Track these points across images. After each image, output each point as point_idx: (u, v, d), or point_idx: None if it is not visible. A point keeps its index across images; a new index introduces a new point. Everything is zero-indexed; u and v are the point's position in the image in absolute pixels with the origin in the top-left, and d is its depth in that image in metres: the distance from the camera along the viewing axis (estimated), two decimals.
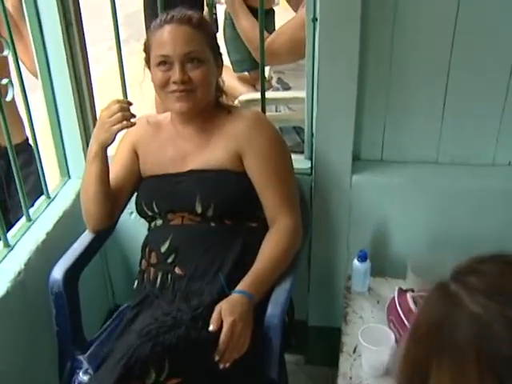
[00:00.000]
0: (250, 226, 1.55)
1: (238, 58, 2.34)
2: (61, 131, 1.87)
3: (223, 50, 2.38)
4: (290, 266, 1.50)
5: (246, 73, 2.42)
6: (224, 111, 1.58)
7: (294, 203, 1.56)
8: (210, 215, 1.50)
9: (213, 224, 1.51)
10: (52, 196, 1.83)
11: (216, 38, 1.56)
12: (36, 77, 1.80)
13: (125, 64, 1.80)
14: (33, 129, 1.72)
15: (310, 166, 1.81)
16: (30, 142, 1.85)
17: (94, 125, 1.90)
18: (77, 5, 1.74)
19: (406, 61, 1.65)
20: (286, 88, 2.06)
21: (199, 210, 1.50)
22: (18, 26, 1.76)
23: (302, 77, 1.81)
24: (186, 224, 1.52)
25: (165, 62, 1.46)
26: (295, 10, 2.14)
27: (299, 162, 1.81)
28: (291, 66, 2.04)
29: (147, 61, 1.52)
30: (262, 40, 1.72)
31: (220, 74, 1.56)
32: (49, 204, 1.81)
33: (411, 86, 1.69)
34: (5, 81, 1.56)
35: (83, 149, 1.88)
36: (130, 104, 1.49)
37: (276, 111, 2.07)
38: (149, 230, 1.63)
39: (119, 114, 1.46)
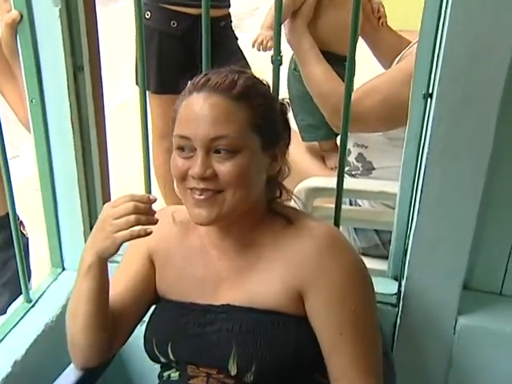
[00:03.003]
0: None
1: (310, 122, 1.73)
2: (56, 205, 1.36)
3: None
4: None
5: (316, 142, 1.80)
6: (281, 220, 1.05)
7: (375, 371, 1.02)
8: (249, 380, 0.99)
9: None
10: (34, 298, 1.32)
11: (272, 112, 1.02)
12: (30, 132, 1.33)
13: None
14: (13, 201, 1.24)
15: (396, 291, 1.28)
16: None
17: (104, 200, 1.42)
18: (94, 45, 1.27)
19: None
20: (368, 169, 1.49)
21: (233, 371, 0.99)
22: (9, 67, 1.31)
23: (390, 153, 1.30)
24: None
25: (184, 147, 0.97)
26: (385, 64, 1.62)
27: (380, 282, 1.27)
28: (378, 137, 1.47)
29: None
30: (349, 95, 1.16)
31: (275, 167, 1.03)
32: (27, 311, 1.29)
33: None
34: None
35: (84, 232, 1.38)
36: (152, 202, 0.98)
37: (350, 204, 1.50)
38: (160, 377, 1.11)
39: (131, 218, 0.95)
